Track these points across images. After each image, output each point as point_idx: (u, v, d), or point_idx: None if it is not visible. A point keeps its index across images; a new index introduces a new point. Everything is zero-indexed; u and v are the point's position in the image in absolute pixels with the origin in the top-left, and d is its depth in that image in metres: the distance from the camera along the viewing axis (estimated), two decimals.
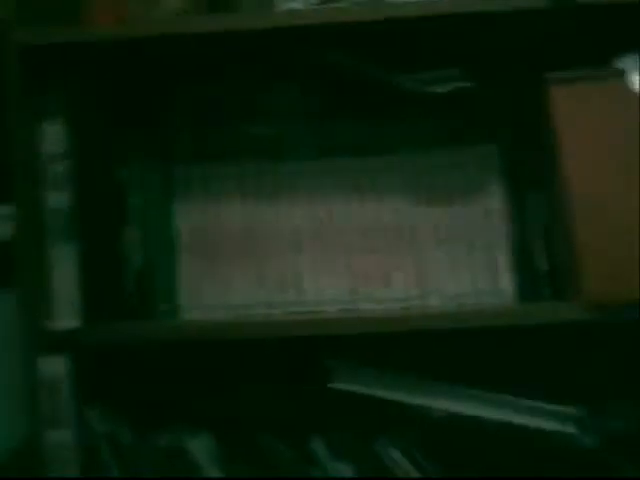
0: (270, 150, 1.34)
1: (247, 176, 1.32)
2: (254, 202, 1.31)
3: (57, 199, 1.24)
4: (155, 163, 1.33)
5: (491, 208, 1.30)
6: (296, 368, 1.37)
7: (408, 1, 1.22)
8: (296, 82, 1.36)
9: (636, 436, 1.26)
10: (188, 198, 1.32)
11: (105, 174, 1.33)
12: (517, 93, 1.33)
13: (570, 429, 1.24)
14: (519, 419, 1.24)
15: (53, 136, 1.25)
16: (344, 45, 1.30)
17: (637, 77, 1.21)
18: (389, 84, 1.32)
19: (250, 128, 1.35)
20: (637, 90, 1.20)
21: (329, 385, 1.24)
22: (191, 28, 1.23)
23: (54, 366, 1.22)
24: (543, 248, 1.29)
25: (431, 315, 1.23)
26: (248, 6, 1.30)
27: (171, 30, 1.23)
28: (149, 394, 1.36)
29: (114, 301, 1.31)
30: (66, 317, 1.24)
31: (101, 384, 1.31)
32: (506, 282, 1.28)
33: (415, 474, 1.23)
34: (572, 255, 1.21)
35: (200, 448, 1.25)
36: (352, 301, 1.29)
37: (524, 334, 1.29)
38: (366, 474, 1.23)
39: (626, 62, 1.25)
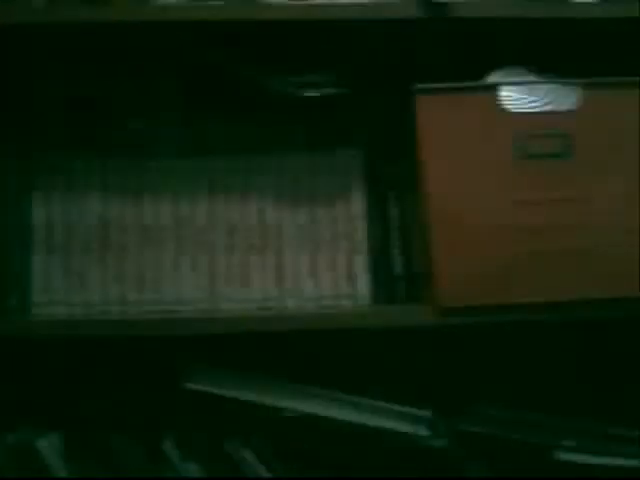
0: (137, 146, 1.32)
1: (111, 171, 1.30)
2: (117, 198, 1.29)
3: None
4: (13, 153, 1.30)
5: (353, 212, 1.31)
6: (150, 368, 1.35)
7: (283, 3, 1.23)
8: (168, 79, 1.35)
9: (486, 437, 1.28)
10: (47, 190, 1.29)
11: None
12: (386, 101, 1.34)
13: (422, 431, 1.25)
14: (371, 420, 1.25)
15: None
16: (217, 43, 1.29)
17: (508, 92, 1.24)
18: (261, 85, 1.32)
19: (119, 123, 1.33)
20: (504, 104, 1.24)
21: (183, 385, 1.23)
22: (63, 18, 1.20)
23: None
24: (401, 252, 1.31)
25: (288, 316, 1.24)
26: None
27: (43, 19, 1.20)
28: None
29: None
30: None
31: None
32: (363, 285, 1.29)
33: (266, 474, 1.23)
34: (427, 259, 1.24)
35: (49, 447, 1.22)
36: (211, 301, 1.28)
37: (379, 336, 1.31)
38: (217, 474, 1.23)
39: (497, 76, 1.28)
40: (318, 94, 1.29)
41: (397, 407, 1.25)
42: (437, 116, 1.24)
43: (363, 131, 1.34)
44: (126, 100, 1.34)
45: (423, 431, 1.25)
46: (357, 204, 1.31)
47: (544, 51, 1.29)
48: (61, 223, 1.28)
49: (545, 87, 1.25)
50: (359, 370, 1.36)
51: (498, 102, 1.25)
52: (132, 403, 1.33)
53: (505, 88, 1.25)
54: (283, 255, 1.29)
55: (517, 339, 1.39)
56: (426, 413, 1.26)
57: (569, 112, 1.25)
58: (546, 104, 1.25)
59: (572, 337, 1.40)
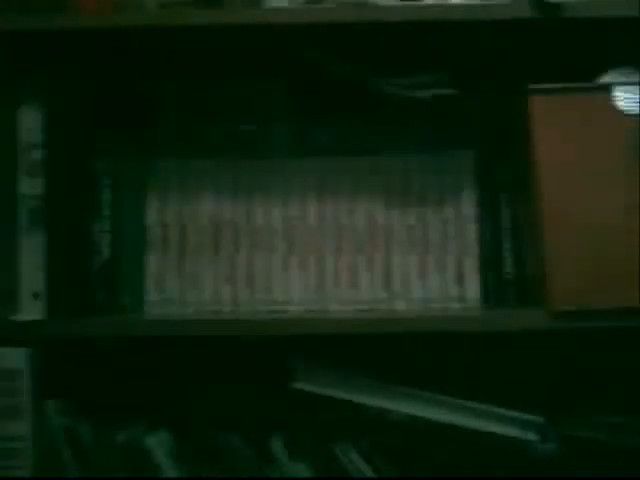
0: (250, 148, 1.33)
1: (224, 172, 1.31)
2: (229, 198, 1.31)
3: (30, 187, 1.24)
4: (131, 156, 1.32)
5: (464, 213, 1.29)
6: (259, 367, 1.36)
7: (394, 4, 1.23)
8: (280, 81, 1.36)
9: (596, 443, 1.26)
10: (162, 191, 1.31)
11: (80, 165, 1.32)
12: (498, 101, 1.33)
13: (531, 436, 1.24)
14: (481, 424, 1.24)
15: (31, 123, 1.24)
16: (328, 46, 1.30)
17: (620, 92, 1.22)
18: (371, 87, 1.32)
19: (232, 125, 1.34)
20: (619, 104, 1.21)
21: (291, 385, 1.24)
22: (178, 21, 1.22)
23: (15, 357, 1.21)
24: (512, 254, 1.29)
25: (396, 318, 1.24)
26: (237, 2, 1.30)
27: (158, 22, 1.23)
28: (110, 389, 1.35)
29: (80, 294, 1.29)
30: (30, 308, 1.23)
31: (62, 378, 1.29)
32: (473, 287, 1.28)
33: (372, 476, 1.23)
34: (540, 262, 1.22)
35: (158, 446, 1.24)
36: (319, 301, 1.28)
37: (489, 340, 1.29)
38: (323, 475, 1.23)
39: (610, 77, 1.26)
40: (429, 95, 1.29)
41: (507, 412, 1.24)
42: (550, 116, 1.22)
43: (475, 132, 1.32)
44: (237, 102, 1.35)
45: (532, 436, 1.24)
46: (468, 205, 1.29)
47: None
48: (175, 223, 1.30)
49: None
50: (468, 374, 1.35)
51: (611, 103, 1.22)
52: (242, 402, 1.35)
53: (618, 88, 1.23)
54: (392, 256, 1.29)
55: (631, 343, 1.36)
56: (536, 418, 1.24)
57: None
58: None
59: None
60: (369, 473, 1.24)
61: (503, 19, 1.22)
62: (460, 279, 1.28)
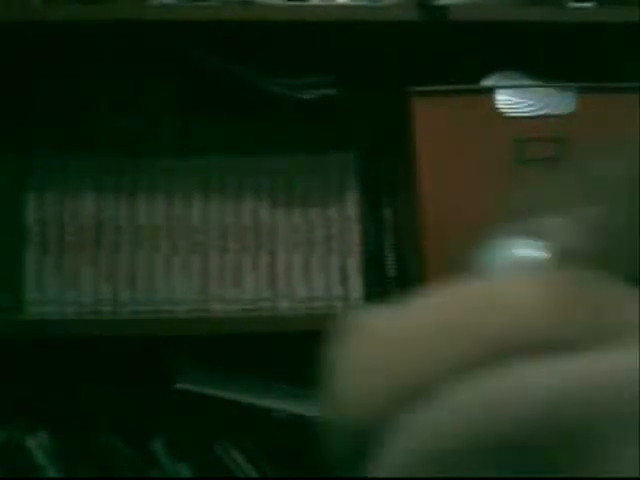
0: (134, 146, 1.32)
1: (105, 170, 1.29)
2: (111, 197, 1.28)
3: None
4: (8, 153, 1.29)
5: (347, 213, 1.30)
6: (140, 367, 1.34)
7: (281, 4, 1.23)
8: (165, 79, 1.34)
9: None
10: (41, 189, 1.28)
11: None
12: (382, 102, 1.34)
13: None
14: None
15: None
16: (213, 44, 1.29)
17: (502, 96, 1.24)
18: (257, 86, 1.31)
19: (116, 123, 1.32)
20: (501, 107, 1.23)
21: (173, 385, 1.23)
22: (61, 16, 1.20)
23: None
24: (394, 254, 1.30)
25: (279, 317, 1.24)
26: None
27: (39, 17, 1.21)
28: None
29: None
30: None
31: None
32: (356, 287, 1.29)
33: (254, 475, 1.23)
34: (420, 262, 1.24)
35: (38, 446, 1.22)
36: (203, 301, 1.27)
37: None
38: (206, 475, 1.22)
39: (492, 80, 1.28)
40: (314, 95, 1.29)
41: None
42: (433, 118, 1.23)
43: (359, 132, 1.33)
44: (122, 99, 1.33)
45: None
46: (351, 205, 1.30)
47: (541, 55, 1.29)
48: (54, 222, 1.28)
49: (541, 91, 1.25)
50: None
51: (495, 105, 1.24)
52: (122, 403, 1.33)
53: (502, 91, 1.25)
54: (276, 256, 1.29)
55: None
56: None
57: (565, 116, 1.25)
58: (542, 108, 1.24)
59: None
60: (252, 473, 1.24)
61: (389, 20, 1.23)
62: (343, 278, 1.29)
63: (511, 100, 1.24)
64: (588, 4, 1.28)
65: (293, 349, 1.34)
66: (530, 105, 1.24)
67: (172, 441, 1.24)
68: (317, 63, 1.30)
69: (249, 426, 1.24)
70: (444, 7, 1.23)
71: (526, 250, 0.75)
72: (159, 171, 1.29)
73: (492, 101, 1.24)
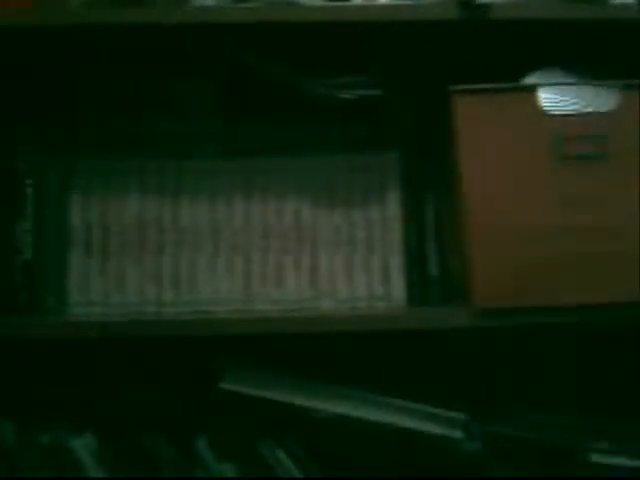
0: (177, 148, 1.33)
1: (149, 172, 1.30)
2: (154, 199, 1.29)
3: None
4: (53, 156, 1.30)
5: (389, 214, 1.30)
6: (185, 368, 1.36)
7: (321, 4, 1.23)
8: (208, 80, 1.35)
9: (519, 440, 1.28)
10: (86, 191, 1.29)
11: (2, 165, 1.30)
12: (422, 102, 1.34)
13: (456, 433, 1.25)
14: (405, 422, 1.24)
15: None
16: (255, 45, 1.29)
17: (544, 93, 1.23)
18: (299, 87, 1.32)
19: (159, 125, 1.34)
20: (542, 105, 1.23)
21: (217, 385, 1.23)
22: (102, 19, 1.21)
23: None
24: (437, 254, 1.30)
25: (323, 317, 1.24)
26: (163, 1, 1.28)
27: (81, 20, 1.21)
28: (34, 391, 1.34)
29: (2, 295, 1.27)
30: None
31: None
32: (399, 287, 1.28)
33: (299, 475, 1.23)
34: (464, 261, 1.23)
35: (83, 447, 1.23)
36: (246, 301, 1.28)
37: (413, 338, 1.30)
38: (250, 475, 1.23)
39: (534, 78, 1.27)
40: (356, 96, 1.29)
41: (431, 409, 1.25)
42: (474, 117, 1.23)
43: (399, 132, 1.33)
44: (164, 101, 1.34)
45: (457, 434, 1.25)
46: (393, 205, 1.30)
47: (584, 52, 1.28)
48: (99, 224, 1.29)
49: (584, 89, 1.24)
50: (394, 372, 1.35)
51: (536, 103, 1.24)
52: (166, 403, 1.34)
53: (543, 89, 1.24)
54: (318, 256, 1.29)
55: (551, 341, 1.39)
56: (461, 415, 1.26)
57: (608, 114, 1.24)
58: (585, 106, 1.24)
59: (612, 340, 1.39)
60: (296, 473, 1.24)
61: (430, 19, 1.23)
62: (386, 278, 1.29)
63: (553, 98, 1.24)
64: (630, 0, 1.28)
65: (336, 349, 1.36)
66: (573, 103, 1.24)
67: (216, 441, 1.25)
68: (359, 63, 1.30)
69: (293, 426, 1.25)
70: (485, 5, 1.23)
71: None
72: (201, 172, 1.30)
73: (534, 99, 1.24)
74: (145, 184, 1.29)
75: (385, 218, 1.30)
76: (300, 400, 1.24)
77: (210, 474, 1.23)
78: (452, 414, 1.25)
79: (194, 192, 1.29)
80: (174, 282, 1.27)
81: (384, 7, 1.23)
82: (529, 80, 1.27)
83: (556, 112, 1.23)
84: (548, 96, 1.24)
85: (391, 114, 1.34)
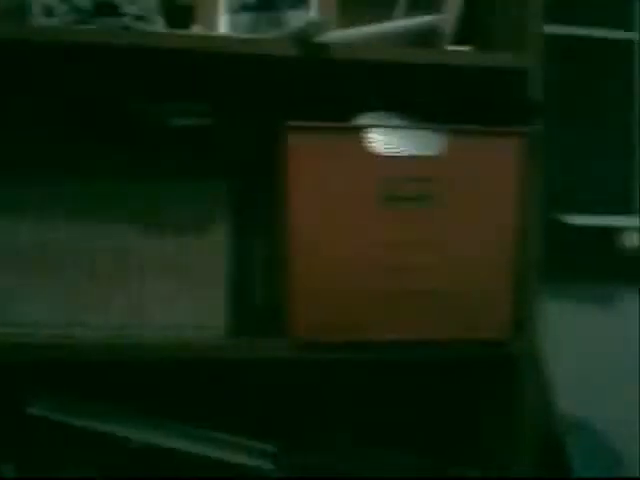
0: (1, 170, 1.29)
1: None
2: None
3: None
4: None
5: (215, 242, 1.29)
6: None
7: (159, 32, 1.22)
8: (40, 100, 1.32)
9: (329, 470, 1.31)
10: None
11: None
12: (255, 134, 1.35)
13: (267, 465, 1.27)
14: (218, 453, 1.26)
15: None
16: (92, 67, 1.27)
17: (375, 135, 1.25)
18: (130, 111, 1.30)
19: None
20: (372, 147, 1.25)
21: (27, 411, 1.21)
22: None
23: None
24: (261, 285, 1.31)
25: (143, 344, 1.23)
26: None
27: None
28: None
29: None
30: None
31: None
32: (222, 316, 1.28)
33: None
34: (286, 293, 1.25)
35: None
36: (66, 326, 1.25)
37: (235, 368, 1.31)
38: None
39: (366, 119, 1.29)
40: (186, 123, 1.28)
41: (244, 441, 1.26)
42: (305, 153, 1.24)
43: (229, 163, 1.33)
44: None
45: (267, 465, 1.27)
46: (220, 234, 1.30)
47: (416, 95, 1.31)
48: None
49: (412, 132, 1.27)
50: (213, 402, 1.36)
51: (366, 144, 1.26)
52: None
53: (374, 131, 1.26)
54: (143, 283, 1.28)
55: (369, 376, 1.42)
56: (270, 447, 1.27)
57: (435, 157, 1.27)
58: (413, 149, 1.27)
59: (423, 375, 1.43)
60: None
61: (266, 54, 1.23)
62: (209, 307, 1.29)
63: (383, 140, 1.26)
64: (464, 48, 1.32)
65: (155, 378, 1.35)
66: (401, 145, 1.26)
67: (23, 466, 1.22)
68: (192, 92, 1.30)
69: (106, 454, 1.24)
70: (322, 45, 1.24)
71: None
72: (26, 194, 1.26)
73: (365, 140, 1.26)
74: None
75: (211, 247, 1.29)
76: (113, 429, 1.23)
77: None
78: (262, 446, 1.27)
79: (18, 212, 1.25)
80: None
81: (222, 39, 1.23)
82: (361, 120, 1.29)
83: (385, 154, 1.26)
84: (378, 138, 1.26)
85: (222, 144, 1.33)
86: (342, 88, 1.30)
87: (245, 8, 1.36)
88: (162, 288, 1.28)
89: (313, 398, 1.42)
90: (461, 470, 1.34)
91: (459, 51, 1.31)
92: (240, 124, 1.34)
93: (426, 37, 1.28)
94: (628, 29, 1.64)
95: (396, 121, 1.29)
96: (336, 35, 1.27)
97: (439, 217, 1.27)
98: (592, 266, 1.56)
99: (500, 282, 1.28)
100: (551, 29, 1.39)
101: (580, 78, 1.59)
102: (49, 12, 1.21)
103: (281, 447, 1.27)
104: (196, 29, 1.30)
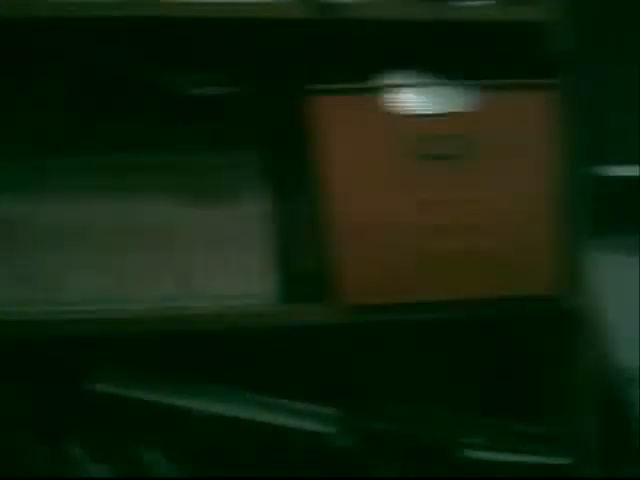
0: (33, 145, 1.32)
1: (13, 171, 1.26)
2: (16, 197, 1.25)
3: None
4: None
5: (255, 211, 1.30)
6: (54, 368, 1.33)
7: (179, 1, 1.21)
8: (58, 77, 1.33)
9: (393, 435, 1.30)
10: None
11: None
12: (282, 100, 1.35)
13: (329, 429, 1.26)
14: (278, 419, 1.26)
15: None
16: (109, 41, 1.28)
17: (401, 94, 1.27)
18: (155, 83, 1.32)
19: (14, 121, 1.32)
20: (400, 106, 1.26)
21: (88, 386, 1.23)
22: None
23: None
24: (305, 251, 1.32)
25: (193, 316, 1.24)
26: None
27: None
28: None
29: None
30: None
31: None
32: (269, 284, 1.29)
33: (174, 475, 1.23)
34: (332, 258, 1.25)
35: None
36: (115, 300, 1.26)
37: (284, 335, 1.31)
38: (124, 475, 1.22)
39: (389, 78, 1.30)
40: (211, 93, 1.29)
41: (303, 405, 1.26)
42: (332, 117, 1.24)
43: (259, 130, 1.35)
44: (19, 98, 1.33)
45: (329, 429, 1.27)
46: (261, 203, 1.30)
47: (440, 53, 1.31)
48: None
49: (442, 89, 1.28)
50: (265, 370, 1.36)
51: (394, 104, 1.26)
52: (36, 403, 1.32)
53: (402, 90, 1.27)
54: (188, 254, 1.28)
55: (421, 337, 1.41)
56: (332, 411, 1.27)
57: (466, 114, 1.27)
58: (443, 106, 1.27)
59: (476, 335, 1.43)
60: (172, 472, 1.24)
61: (284, 18, 1.23)
62: (259, 275, 1.29)
63: (412, 98, 1.27)
64: (486, 2, 1.32)
65: (208, 348, 1.36)
66: (430, 103, 1.27)
67: (89, 442, 1.24)
68: (215, 61, 1.32)
69: (167, 426, 1.25)
70: (340, 5, 1.23)
71: None
72: (68, 170, 1.27)
73: (391, 99, 1.26)
74: (10, 183, 1.27)
75: (252, 216, 1.29)
76: (173, 400, 1.24)
77: (83, 474, 1.22)
78: (324, 410, 1.27)
79: (62, 190, 1.27)
80: (42, 281, 1.25)
81: (239, 5, 1.22)
82: (386, 80, 1.29)
83: (413, 112, 1.26)
84: (407, 96, 1.27)
85: (250, 112, 1.35)
86: (365, 48, 1.30)
87: None
88: (207, 259, 1.28)
89: (365, 362, 1.42)
90: (524, 427, 1.32)
91: (482, 6, 1.32)
92: (266, 91, 1.35)
93: None
94: None
95: (423, 79, 1.30)
96: None
97: (474, 174, 1.26)
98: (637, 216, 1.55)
99: (543, 236, 1.28)
100: None
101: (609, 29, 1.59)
102: None
103: (342, 411, 1.28)
104: None
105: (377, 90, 1.27)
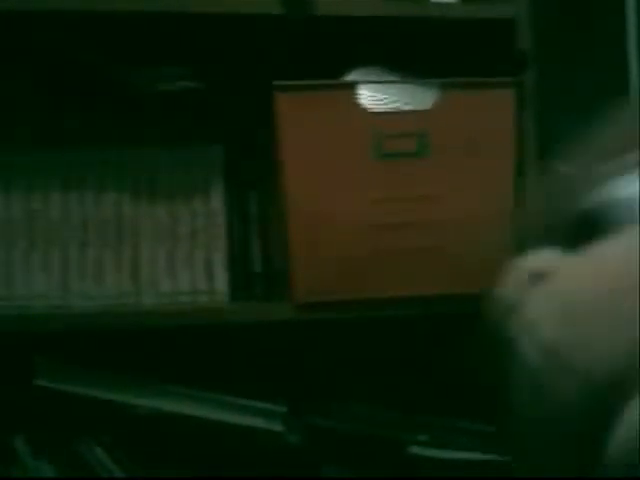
0: None
1: None
2: None
3: None
4: None
5: (212, 208, 1.29)
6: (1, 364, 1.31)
7: None
8: (19, 70, 1.31)
9: (341, 433, 1.30)
10: None
11: None
12: (245, 97, 1.34)
13: (276, 427, 1.26)
14: (226, 417, 1.24)
15: None
16: (74, 34, 1.26)
17: (364, 90, 1.25)
18: (118, 79, 1.29)
19: None
20: (363, 102, 1.24)
21: (34, 382, 1.20)
22: None
23: None
24: (260, 249, 1.30)
25: (143, 312, 1.23)
26: None
27: None
28: None
29: None
30: None
31: None
32: (222, 281, 1.28)
33: (119, 473, 1.22)
34: (285, 256, 1.24)
35: None
36: (63, 297, 1.24)
37: (236, 332, 1.30)
38: (68, 473, 1.20)
39: (355, 75, 1.28)
40: (177, 87, 1.27)
41: (251, 403, 1.25)
42: (295, 113, 1.23)
43: (222, 127, 1.33)
44: None
45: (278, 427, 1.26)
46: (216, 200, 1.29)
47: (402, 50, 1.30)
48: None
49: (403, 86, 1.27)
50: (216, 367, 1.34)
51: (356, 101, 1.25)
52: None
53: (363, 87, 1.25)
54: (139, 251, 1.27)
55: (372, 334, 1.40)
56: (281, 408, 1.26)
57: (429, 111, 1.26)
58: (403, 103, 1.26)
59: (428, 332, 1.42)
60: (116, 471, 1.22)
61: (252, 13, 1.22)
62: (209, 273, 1.28)
63: (373, 95, 1.25)
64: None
65: (157, 345, 1.34)
66: (391, 100, 1.26)
67: (34, 439, 1.21)
68: (182, 55, 1.29)
69: (112, 423, 1.23)
70: (307, 2, 1.23)
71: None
72: (16, 164, 1.25)
73: (355, 96, 1.25)
74: None
75: (208, 212, 1.29)
76: (120, 397, 1.22)
77: (27, 473, 1.20)
78: (271, 407, 1.26)
79: (7, 184, 1.25)
80: None
81: (207, 0, 1.21)
82: (350, 77, 1.28)
83: (376, 109, 1.25)
84: (368, 93, 1.25)
85: (214, 108, 1.33)
86: (330, 45, 1.29)
87: None
88: (159, 255, 1.27)
89: (317, 360, 1.41)
90: (474, 425, 1.33)
91: (446, 3, 1.30)
92: (232, 87, 1.33)
93: None
94: None
95: (388, 76, 1.28)
96: None
97: (436, 172, 1.26)
98: None
99: (502, 235, 1.28)
100: None
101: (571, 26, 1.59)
102: None
103: (290, 409, 1.27)
104: None
105: (340, 87, 1.26)
